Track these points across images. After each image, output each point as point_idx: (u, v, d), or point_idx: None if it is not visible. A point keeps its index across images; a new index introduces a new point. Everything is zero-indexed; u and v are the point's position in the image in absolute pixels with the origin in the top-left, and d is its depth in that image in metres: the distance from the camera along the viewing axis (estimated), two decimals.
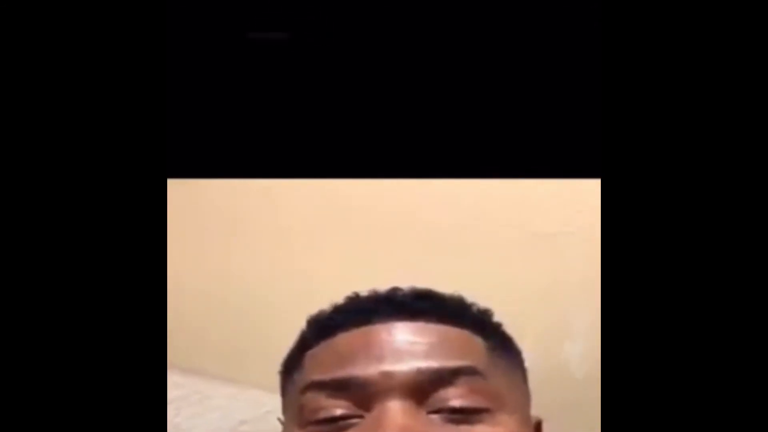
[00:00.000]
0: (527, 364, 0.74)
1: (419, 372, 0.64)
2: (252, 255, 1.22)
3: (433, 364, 0.65)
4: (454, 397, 0.64)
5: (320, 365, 0.68)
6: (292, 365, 0.72)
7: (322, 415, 0.65)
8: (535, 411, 0.74)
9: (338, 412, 0.64)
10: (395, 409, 0.62)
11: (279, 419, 0.72)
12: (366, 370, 0.64)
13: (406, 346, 0.66)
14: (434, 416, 0.63)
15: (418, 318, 0.68)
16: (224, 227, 1.24)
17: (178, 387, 1.08)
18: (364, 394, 0.64)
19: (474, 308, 0.72)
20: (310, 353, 0.70)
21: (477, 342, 0.69)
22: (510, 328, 0.74)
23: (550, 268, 1.06)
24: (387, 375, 0.64)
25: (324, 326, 0.71)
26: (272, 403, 1.05)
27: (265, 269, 1.21)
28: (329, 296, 0.76)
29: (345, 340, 0.68)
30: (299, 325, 0.76)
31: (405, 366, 0.64)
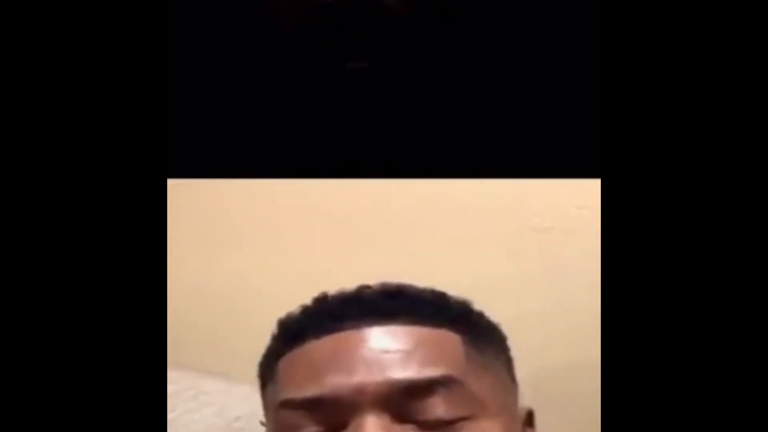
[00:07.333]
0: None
1: (392, 384, 0.63)
2: (249, 253, 1.22)
3: (407, 374, 0.63)
4: (432, 407, 0.63)
5: (293, 380, 0.67)
6: (266, 373, 0.71)
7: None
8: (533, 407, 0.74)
9: (314, 429, 0.64)
10: (368, 424, 0.61)
11: (261, 422, 0.71)
12: (337, 386, 0.63)
13: (378, 355, 0.64)
14: (410, 427, 0.63)
15: (389, 320, 0.66)
16: (223, 227, 1.24)
17: (172, 383, 1.08)
18: (338, 411, 0.63)
19: (450, 301, 0.70)
20: (282, 361, 0.69)
21: (454, 341, 0.67)
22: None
23: (548, 263, 1.06)
24: (359, 390, 0.63)
25: (294, 333, 0.69)
26: None
27: (261, 267, 1.21)
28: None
29: (315, 348, 0.67)
30: None
31: (377, 378, 0.63)
